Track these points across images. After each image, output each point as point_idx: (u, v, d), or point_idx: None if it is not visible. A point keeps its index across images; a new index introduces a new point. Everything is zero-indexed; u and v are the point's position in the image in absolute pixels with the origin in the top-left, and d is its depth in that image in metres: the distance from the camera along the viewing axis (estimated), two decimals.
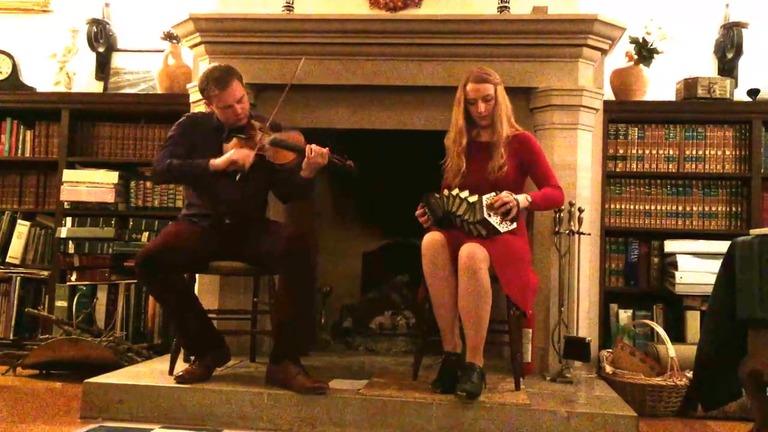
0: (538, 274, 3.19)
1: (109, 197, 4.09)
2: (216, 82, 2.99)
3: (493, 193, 2.91)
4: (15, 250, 4.19)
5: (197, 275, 3.31)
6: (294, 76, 3.08)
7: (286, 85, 3.13)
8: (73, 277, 4.09)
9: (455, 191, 2.96)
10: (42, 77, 4.41)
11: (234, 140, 3.06)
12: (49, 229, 4.22)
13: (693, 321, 3.65)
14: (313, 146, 2.97)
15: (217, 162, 2.98)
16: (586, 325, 3.47)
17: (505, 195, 2.89)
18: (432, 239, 2.88)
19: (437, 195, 2.98)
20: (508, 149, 3.04)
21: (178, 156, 3.05)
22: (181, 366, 3.03)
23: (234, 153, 2.97)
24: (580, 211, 3.38)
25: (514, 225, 2.93)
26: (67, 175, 4.11)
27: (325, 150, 2.98)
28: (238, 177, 2.97)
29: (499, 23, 3.50)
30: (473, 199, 2.91)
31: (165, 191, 4.17)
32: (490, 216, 2.86)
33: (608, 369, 3.33)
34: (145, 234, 4.04)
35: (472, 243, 2.80)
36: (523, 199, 2.95)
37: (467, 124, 3.07)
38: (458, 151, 3.04)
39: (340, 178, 3.55)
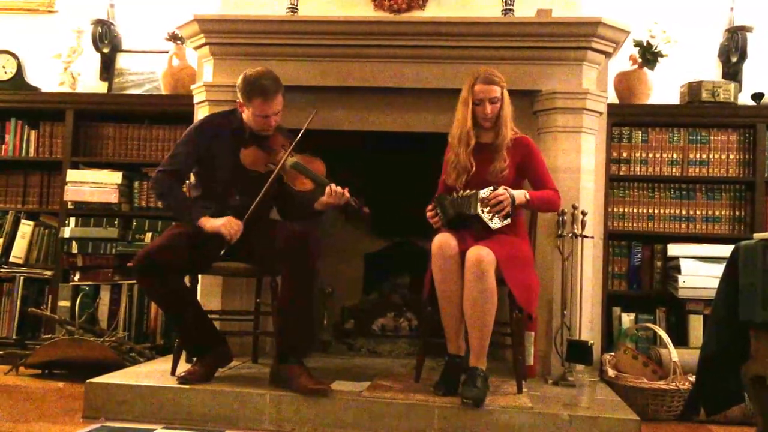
0: (540, 277, 3.18)
1: (113, 197, 4.09)
2: (262, 90, 2.96)
3: (491, 188, 2.90)
4: (18, 249, 4.20)
5: (200, 276, 3.31)
6: (307, 124, 3.03)
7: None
8: (76, 277, 4.10)
9: (461, 192, 2.97)
10: (47, 77, 4.42)
11: (253, 147, 3.03)
12: (52, 229, 4.22)
13: (696, 325, 3.64)
14: (334, 187, 2.94)
15: (206, 225, 2.94)
16: (588, 329, 3.46)
17: (501, 191, 2.89)
18: (443, 240, 2.87)
19: (449, 197, 2.98)
20: (508, 152, 3.05)
21: (183, 173, 3.11)
22: (183, 366, 3.03)
23: (224, 226, 2.91)
24: (584, 214, 3.38)
25: (507, 221, 2.92)
26: (71, 175, 4.12)
27: (345, 193, 2.96)
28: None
29: (502, 26, 3.50)
30: (468, 192, 2.93)
31: None
32: (483, 212, 2.87)
33: (611, 372, 3.33)
34: (149, 234, 4.05)
35: (479, 245, 2.81)
36: (522, 195, 2.95)
37: (473, 125, 3.06)
38: (467, 151, 3.03)
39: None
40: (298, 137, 3.02)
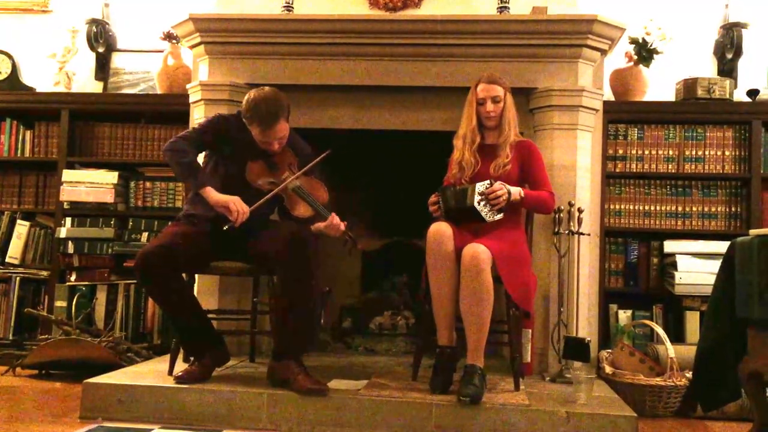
0: (537, 275, 3.20)
1: (109, 197, 4.09)
2: (261, 120, 2.91)
3: (488, 182, 2.93)
4: (14, 250, 4.19)
5: (197, 275, 3.31)
6: (315, 162, 3.02)
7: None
8: (73, 278, 4.09)
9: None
10: (42, 77, 4.42)
11: (260, 162, 3.01)
12: (48, 229, 4.22)
13: (692, 321, 3.65)
14: (334, 219, 2.94)
15: (212, 196, 2.90)
16: (585, 326, 3.47)
17: (499, 185, 2.92)
18: (439, 229, 2.89)
19: (452, 188, 3.02)
20: (512, 153, 3.10)
21: (204, 143, 3.05)
22: (180, 366, 3.02)
23: (231, 202, 2.87)
24: (580, 211, 3.38)
25: (500, 216, 2.95)
26: (67, 175, 4.12)
27: (342, 226, 2.96)
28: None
29: (498, 23, 3.50)
30: (465, 185, 2.97)
31: (165, 191, 4.17)
32: (479, 204, 2.90)
33: (608, 369, 3.33)
34: (145, 234, 4.04)
35: (475, 243, 2.81)
36: (516, 192, 2.99)
37: (477, 125, 3.12)
38: (472, 149, 3.09)
39: (340, 175, 3.54)
40: (305, 168, 3.00)
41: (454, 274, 2.84)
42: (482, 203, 2.91)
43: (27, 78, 4.40)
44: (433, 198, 3.06)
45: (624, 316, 3.79)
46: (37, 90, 4.37)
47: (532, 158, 3.15)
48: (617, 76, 3.99)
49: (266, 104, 2.92)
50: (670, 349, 3.22)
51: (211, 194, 2.92)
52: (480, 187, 2.92)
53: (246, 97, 2.99)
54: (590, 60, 3.54)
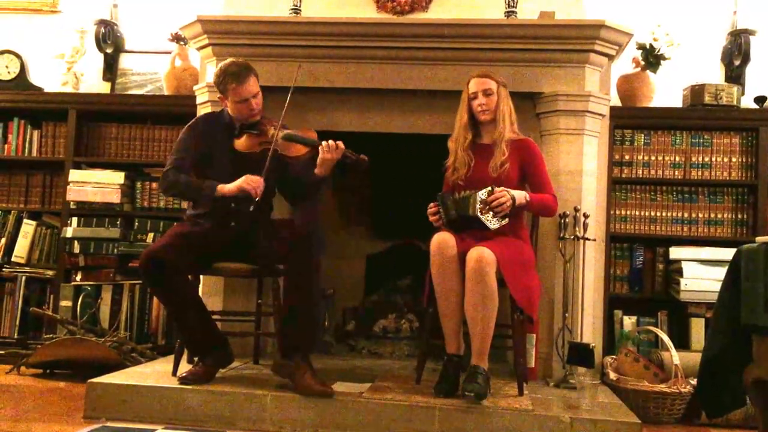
0: (542, 280, 3.19)
1: (115, 198, 4.10)
2: (234, 76, 3.04)
3: (489, 189, 2.90)
4: (20, 249, 4.20)
5: (201, 276, 3.31)
6: (294, 81, 3.08)
7: (298, 87, 3.14)
8: (78, 277, 4.10)
9: (461, 192, 2.97)
10: (50, 77, 4.43)
11: (245, 136, 3.10)
12: (54, 229, 4.23)
13: (697, 328, 3.64)
14: (328, 141, 3.00)
15: (226, 189, 3.00)
16: (590, 331, 3.46)
17: (500, 192, 2.89)
18: (442, 239, 2.88)
19: (452, 197, 2.99)
20: (511, 152, 3.06)
21: (186, 167, 3.11)
22: (184, 367, 3.03)
23: (245, 182, 2.97)
24: (586, 216, 3.38)
25: (505, 221, 2.92)
26: (74, 175, 4.13)
27: (340, 144, 3.00)
28: (252, 207, 2.96)
29: (506, 28, 3.50)
30: (467, 193, 2.93)
31: None
32: (482, 213, 2.87)
33: (612, 375, 3.32)
34: (151, 235, 4.05)
35: (480, 246, 2.81)
36: (521, 196, 2.95)
37: (470, 122, 3.11)
38: (464, 146, 3.08)
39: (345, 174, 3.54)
40: (287, 104, 3.05)
41: (460, 280, 2.84)
42: (485, 212, 2.89)
43: (35, 78, 4.42)
44: (432, 208, 3.02)
45: (629, 322, 3.78)
46: (45, 90, 4.38)
47: (532, 158, 3.11)
48: (624, 81, 3.99)
49: (235, 65, 3.10)
50: (674, 356, 3.21)
51: (225, 189, 3.01)
52: (482, 194, 2.88)
53: (214, 73, 3.14)
54: (597, 65, 3.54)
